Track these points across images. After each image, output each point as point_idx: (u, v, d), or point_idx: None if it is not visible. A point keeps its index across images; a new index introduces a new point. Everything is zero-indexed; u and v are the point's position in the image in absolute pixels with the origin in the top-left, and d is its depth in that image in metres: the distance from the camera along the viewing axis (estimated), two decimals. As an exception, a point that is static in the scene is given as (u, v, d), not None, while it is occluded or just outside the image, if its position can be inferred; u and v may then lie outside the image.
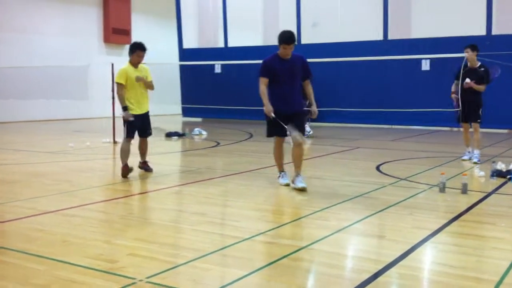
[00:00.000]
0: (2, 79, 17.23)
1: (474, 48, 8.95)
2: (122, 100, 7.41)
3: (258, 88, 6.66)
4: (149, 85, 7.60)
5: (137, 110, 7.48)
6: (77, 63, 18.03)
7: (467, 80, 8.87)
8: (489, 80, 9.06)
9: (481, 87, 8.90)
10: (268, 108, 6.50)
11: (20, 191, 6.33)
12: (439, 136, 14.27)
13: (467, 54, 8.95)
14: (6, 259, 3.89)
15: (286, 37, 6.55)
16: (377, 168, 8.22)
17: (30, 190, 6.43)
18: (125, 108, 7.37)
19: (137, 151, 7.79)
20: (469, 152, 9.21)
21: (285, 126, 6.44)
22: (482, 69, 8.99)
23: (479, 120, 9.01)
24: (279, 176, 6.89)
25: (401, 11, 17.13)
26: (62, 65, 16.80)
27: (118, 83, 7.41)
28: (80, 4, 20.30)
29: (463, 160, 9.12)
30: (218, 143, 11.83)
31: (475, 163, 8.74)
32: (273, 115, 6.43)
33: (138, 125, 7.54)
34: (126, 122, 7.42)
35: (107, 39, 21.24)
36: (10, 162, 8.76)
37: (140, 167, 7.75)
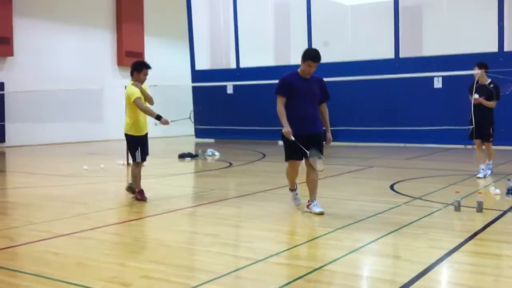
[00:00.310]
0: (19, 103, 17.50)
1: (481, 65, 9.11)
2: (150, 111, 7.21)
3: (276, 107, 6.41)
4: (151, 101, 7.50)
5: (143, 131, 7.41)
6: (91, 86, 18.27)
7: (476, 95, 9.02)
8: (499, 97, 9.14)
9: (490, 103, 9.01)
10: (287, 129, 6.15)
11: (34, 214, 6.37)
12: (453, 154, 14.17)
13: (475, 72, 9.10)
14: (19, 282, 3.91)
15: (314, 54, 6.35)
16: (391, 187, 8.16)
17: (45, 213, 6.47)
18: (159, 117, 7.15)
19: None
20: (483, 169, 9.20)
21: (307, 151, 6.10)
22: (492, 85, 9.11)
23: (491, 139, 9.15)
24: (295, 197, 6.63)
25: (412, 29, 17.18)
26: (77, 88, 17.03)
27: (138, 97, 7.17)
28: (94, 28, 20.61)
29: (478, 178, 9.06)
30: (231, 164, 11.84)
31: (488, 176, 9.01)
32: (292, 137, 6.09)
33: (145, 148, 7.41)
34: (137, 145, 7.27)
35: (120, 62, 21.50)
36: (25, 186, 8.84)
37: (134, 193, 7.41)
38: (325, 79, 14.76)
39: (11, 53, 17.60)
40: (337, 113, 12.14)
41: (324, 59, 19.10)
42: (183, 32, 21.48)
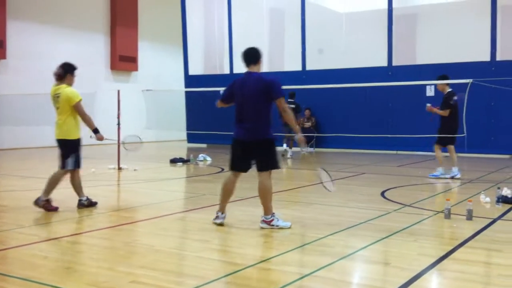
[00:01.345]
0: (11, 106, 17.40)
1: (441, 78, 10.18)
2: (90, 120, 6.91)
3: (284, 112, 5.91)
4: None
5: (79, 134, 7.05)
6: (84, 90, 18.19)
7: (428, 104, 10.18)
8: (449, 105, 9.90)
9: (440, 112, 9.92)
10: (301, 136, 5.94)
11: (24, 218, 6.33)
12: (444, 162, 14.21)
13: (438, 83, 10.20)
14: (8, 286, 3.88)
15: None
16: (382, 194, 8.19)
17: (35, 216, 6.43)
18: (97, 130, 6.94)
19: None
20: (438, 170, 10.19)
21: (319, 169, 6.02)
22: (446, 95, 9.99)
23: (448, 145, 10.05)
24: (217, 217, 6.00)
25: (406, 37, 17.28)
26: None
27: (80, 101, 6.89)
28: (87, 31, 20.57)
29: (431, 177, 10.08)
30: (223, 169, 11.84)
31: (457, 178, 9.80)
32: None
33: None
34: (78, 151, 7.04)
35: (114, 66, 21.47)
36: (16, 189, 8.80)
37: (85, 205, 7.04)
38: (319, 86, 14.94)
39: (4, 56, 17.54)
40: (330, 119, 12.18)
41: (318, 66, 19.28)
42: (177, 37, 21.51)
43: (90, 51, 20.72)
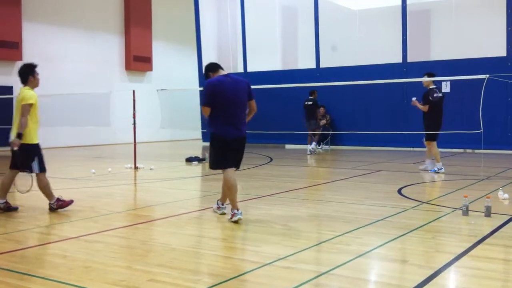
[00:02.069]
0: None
1: (428, 74, 10.69)
2: (24, 123, 6.60)
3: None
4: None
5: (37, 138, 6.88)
6: (99, 90, 18.37)
7: (414, 98, 10.68)
8: (428, 101, 10.38)
9: (422, 107, 10.43)
10: None
11: (42, 217, 6.40)
12: (460, 158, 14.12)
13: (424, 80, 10.61)
14: (28, 285, 3.92)
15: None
16: (399, 191, 8.13)
17: (52, 216, 6.49)
18: (20, 135, 6.59)
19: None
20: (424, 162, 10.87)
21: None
22: (427, 91, 10.46)
23: (428, 140, 10.48)
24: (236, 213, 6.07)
25: (420, 33, 17.15)
26: (85, 93, 17.12)
27: (31, 104, 6.66)
28: (102, 32, 20.72)
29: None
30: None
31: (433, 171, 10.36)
32: None
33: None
34: (36, 154, 6.93)
35: (128, 67, 21.60)
36: (34, 189, 8.87)
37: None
38: (333, 83, 14.93)
39: (19, 58, 17.72)
40: (345, 117, 12.14)
41: (332, 63, 19.22)
42: (190, 37, 21.58)
43: (105, 52, 20.86)
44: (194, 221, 6.35)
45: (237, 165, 6.33)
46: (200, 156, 13.85)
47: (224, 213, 6.44)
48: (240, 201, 7.48)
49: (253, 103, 6.28)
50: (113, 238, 5.40)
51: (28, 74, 7.03)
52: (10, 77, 17.57)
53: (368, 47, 17.12)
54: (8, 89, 17.19)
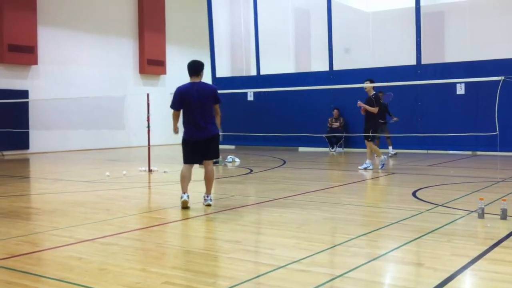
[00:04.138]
0: (42, 110, 17.78)
1: (371, 81, 11.60)
2: None
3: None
4: None
5: None
6: (114, 94, 18.50)
7: (359, 102, 11.61)
8: (380, 104, 11.67)
9: (371, 108, 11.32)
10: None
11: (58, 220, 6.45)
12: (475, 160, 14.00)
13: (365, 85, 11.53)
14: (43, 287, 3.96)
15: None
16: (414, 194, 8.08)
17: (68, 218, 6.54)
18: None
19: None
20: (366, 163, 11.57)
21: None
22: (373, 96, 11.43)
23: (369, 139, 11.40)
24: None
25: (434, 35, 17.05)
26: (99, 96, 17.26)
27: None
28: (116, 36, 20.86)
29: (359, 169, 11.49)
30: (251, 170, 11.86)
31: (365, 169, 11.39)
32: None
33: None
34: None
35: (142, 70, 21.73)
36: (49, 191, 8.97)
37: None
38: (346, 86, 15.02)
39: (35, 62, 17.90)
40: (358, 119, 12.11)
41: (346, 66, 19.15)
42: (203, 40, 21.64)
43: (119, 55, 21.00)
44: (208, 223, 6.37)
45: (206, 157, 7.25)
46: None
47: (209, 205, 7.16)
48: (254, 204, 7.50)
49: (217, 107, 7.19)
50: (128, 240, 5.43)
51: None
52: (26, 81, 17.77)
53: (382, 49, 17.06)
54: (24, 93, 17.39)
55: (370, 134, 11.44)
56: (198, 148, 7.10)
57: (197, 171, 8.37)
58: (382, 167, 11.55)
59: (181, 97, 7.04)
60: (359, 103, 11.59)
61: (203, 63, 7.32)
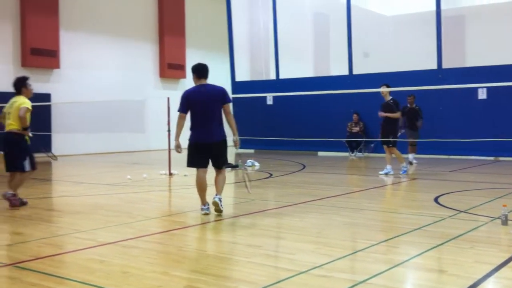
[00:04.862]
0: (64, 114, 18.00)
1: (387, 86, 11.57)
2: (27, 120, 7.52)
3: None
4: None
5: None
6: (134, 97, 18.66)
7: (379, 113, 11.46)
8: (399, 109, 11.61)
9: (393, 115, 11.29)
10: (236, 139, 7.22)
11: (80, 223, 6.52)
12: (498, 166, 13.82)
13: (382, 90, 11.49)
14: (67, 289, 4.00)
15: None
16: (435, 200, 8.00)
17: (90, 221, 6.61)
18: (27, 128, 7.55)
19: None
20: (386, 169, 11.43)
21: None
22: (391, 101, 11.36)
23: (390, 145, 11.36)
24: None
25: (455, 39, 16.89)
26: (120, 100, 17.42)
27: (27, 108, 7.53)
28: (136, 41, 21.06)
29: (380, 174, 11.37)
30: (271, 175, 11.85)
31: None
32: None
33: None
34: (30, 149, 7.62)
35: (163, 74, 21.89)
36: (71, 194, 9.06)
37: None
38: (365, 90, 14.97)
39: (57, 66, 18.15)
40: (378, 124, 12.04)
41: (365, 70, 19.03)
42: (223, 44, 21.72)
43: (139, 59, 21.19)
44: (228, 227, 6.38)
45: (216, 165, 7.01)
46: (234, 162, 13.90)
47: (207, 214, 6.89)
48: (274, 208, 7.50)
49: (227, 107, 6.93)
50: (149, 243, 5.47)
51: (20, 86, 7.80)
52: (48, 85, 18.01)
53: (402, 53, 16.93)
54: (47, 97, 17.61)
55: (391, 139, 11.35)
56: (205, 152, 6.86)
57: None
58: (404, 172, 11.44)
59: (188, 100, 6.86)
60: (380, 114, 11.46)
61: (207, 66, 7.13)
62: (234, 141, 7.06)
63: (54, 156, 8.43)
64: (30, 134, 7.64)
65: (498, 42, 15.51)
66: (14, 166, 7.55)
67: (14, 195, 7.50)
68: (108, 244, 5.37)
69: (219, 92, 6.91)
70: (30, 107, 7.59)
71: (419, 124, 14.06)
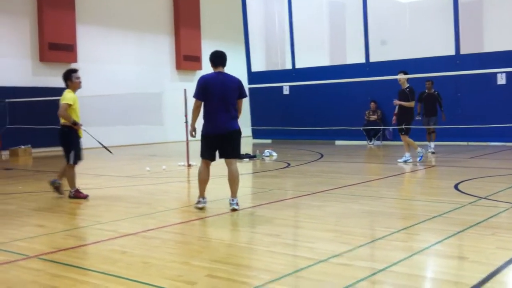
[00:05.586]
0: (82, 107, 18.10)
1: (404, 73, 11.44)
2: (68, 116, 7.65)
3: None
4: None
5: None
6: (151, 90, 18.74)
7: (394, 101, 11.42)
8: (414, 98, 11.40)
9: (406, 104, 11.16)
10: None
11: (102, 214, 6.60)
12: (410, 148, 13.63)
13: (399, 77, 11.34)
14: (88, 279, 4.06)
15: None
16: (455, 186, 7.94)
17: (111, 213, 6.69)
18: (75, 123, 7.70)
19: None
20: (405, 156, 11.41)
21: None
22: (408, 89, 11.21)
23: (402, 133, 11.32)
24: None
25: (473, 24, 16.64)
26: (137, 93, 17.51)
27: (66, 103, 7.68)
28: (152, 34, 21.13)
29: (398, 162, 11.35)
30: (289, 164, 11.86)
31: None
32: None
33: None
34: (78, 143, 7.82)
35: (179, 66, 21.96)
36: (92, 187, 9.17)
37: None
38: (383, 78, 14.81)
39: (75, 60, 18.30)
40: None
41: (382, 57, 18.84)
42: (238, 35, 21.69)
43: (156, 52, 21.27)
44: (247, 217, 6.40)
45: (227, 156, 6.71)
46: (251, 153, 13.93)
47: (235, 209, 6.60)
48: (292, 198, 7.51)
49: (240, 102, 6.72)
50: (170, 234, 5.52)
51: (66, 79, 8.04)
52: (66, 79, 18.15)
53: (419, 40, 16.74)
54: (64, 90, 17.76)
55: (404, 127, 11.27)
56: (217, 143, 6.59)
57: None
58: (420, 159, 11.35)
59: (205, 86, 6.52)
60: (395, 102, 11.41)
61: (226, 54, 6.91)
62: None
63: (110, 150, 8.65)
64: (83, 128, 7.88)
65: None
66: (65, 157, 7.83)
67: (75, 190, 7.81)
68: (129, 235, 5.43)
69: (237, 83, 6.68)
70: (70, 102, 7.69)
71: (434, 112, 13.55)
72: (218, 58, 6.77)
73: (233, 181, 6.71)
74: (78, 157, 7.84)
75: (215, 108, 6.53)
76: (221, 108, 6.52)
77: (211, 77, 6.63)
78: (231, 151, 6.67)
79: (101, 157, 15.17)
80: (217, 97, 6.51)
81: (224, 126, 6.54)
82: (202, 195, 6.76)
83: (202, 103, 6.60)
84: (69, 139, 7.74)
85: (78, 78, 8.02)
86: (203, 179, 6.74)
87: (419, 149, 11.46)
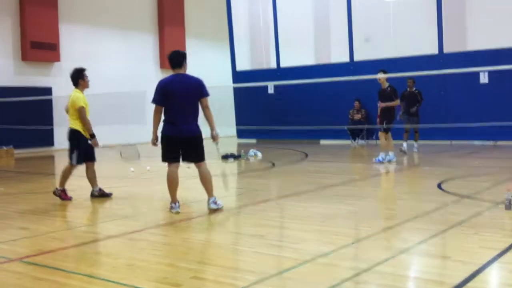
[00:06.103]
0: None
1: (384, 71, 11.30)
2: (89, 124, 7.58)
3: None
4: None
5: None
6: (135, 89, 18.63)
7: (379, 103, 11.26)
8: (397, 96, 11.37)
9: (392, 103, 11.10)
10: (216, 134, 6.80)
11: (85, 216, 6.56)
12: (500, 150, 13.81)
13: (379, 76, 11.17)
14: (72, 282, 4.02)
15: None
16: (439, 185, 8.01)
17: (95, 215, 6.65)
18: (93, 135, 7.69)
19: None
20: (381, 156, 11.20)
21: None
22: (389, 88, 11.10)
23: (382, 130, 11.21)
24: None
25: (456, 23, 16.77)
26: (121, 91, 17.39)
27: (82, 107, 7.52)
28: (136, 32, 20.99)
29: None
30: (274, 164, 11.86)
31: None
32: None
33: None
34: (79, 147, 7.70)
35: (163, 65, 21.83)
36: (75, 188, 9.08)
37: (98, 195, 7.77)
38: (367, 77, 14.81)
39: (58, 59, 18.11)
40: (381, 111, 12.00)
41: (366, 56, 18.91)
42: (223, 34, 21.64)
43: (140, 50, 21.14)
44: (232, 218, 6.40)
45: (195, 159, 6.56)
46: (236, 153, 13.91)
47: (214, 209, 6.52)
48: (278, 198, 7.52)
49: (204, 100, 6.47)
50: (154, 236, 5.50)
51: (77, 78, 7.96)
52: (49, 78, 17.99)
53: (403, 38, 16.84)
54: (47, 90, 17.60)
55: (384, 126, 11.13)
56: (179, 145, 6.42)
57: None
58: (378, 161, 11.14)
59: (165, 90, 6.34)
60: (380, 105, 11.24)
61: (185, 53, 6.69)
62: (214, 136, 6.64)
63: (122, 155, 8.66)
64: (99, 145, 7.94)
65: (499, 24, 15.39)
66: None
67: (97, 190, 7.79)
68: (114, 237, 5.40)
69: (197, 84, 6.48)
70: (84, 104, 7.65)
71: (413, 111, 13.63)
72: (174, 60, 6.55)
73: (205, 181, 6.57)
74: (80, 159, 7.75)
75: (177, 111, 6.37)
76: (182, 111, 6.36)
77: (170, 81, 6.46)
78: (196, 156, 6.54)
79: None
80: (178, 100, 6.33)
81: (186, 131, 6.39)
82: (174, 200, 6.56)
83: (163, 108, 6.43)
84: (74, 139, 7.73)
85: (87, 77, 8.04)
86: (172, 183, 6.53)
87: (390, 153, 11.20)
